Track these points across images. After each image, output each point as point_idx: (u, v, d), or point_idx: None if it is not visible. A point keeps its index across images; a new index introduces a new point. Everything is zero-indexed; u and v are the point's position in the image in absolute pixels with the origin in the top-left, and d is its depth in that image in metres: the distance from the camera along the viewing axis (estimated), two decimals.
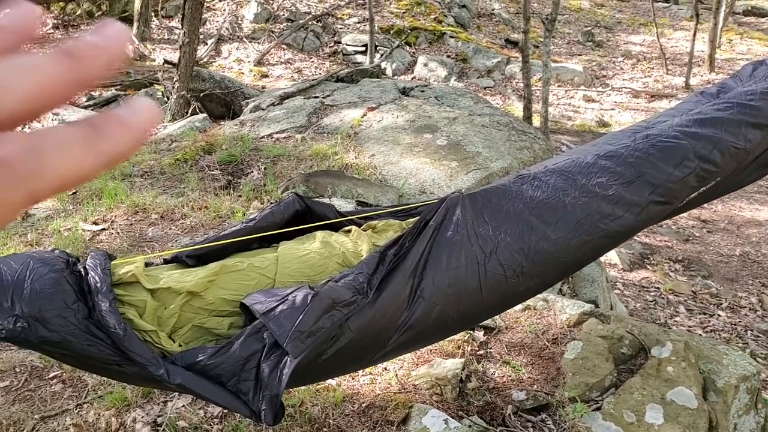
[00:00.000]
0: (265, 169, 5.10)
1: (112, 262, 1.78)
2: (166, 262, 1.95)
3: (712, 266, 9.10)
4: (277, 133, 5.78)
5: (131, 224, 4.25)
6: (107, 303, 1.64)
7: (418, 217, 2.19)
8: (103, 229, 4.19)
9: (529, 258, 2.08)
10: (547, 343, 3.44)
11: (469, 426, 2.87)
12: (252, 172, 5.16)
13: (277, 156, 5.27)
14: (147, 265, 1.89)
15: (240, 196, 4.67)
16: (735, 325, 8.22)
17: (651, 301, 8.12)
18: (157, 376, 1.63)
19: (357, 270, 1.88)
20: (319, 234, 2.07)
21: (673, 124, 2.40)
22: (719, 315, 8.20)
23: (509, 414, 3.02)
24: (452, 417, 2.92)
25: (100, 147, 0.34)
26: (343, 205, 4.40)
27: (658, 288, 8.26)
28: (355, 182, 4.65)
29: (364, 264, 1.90)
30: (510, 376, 3.25)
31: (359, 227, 2.17)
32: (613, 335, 3.41)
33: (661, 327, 3.55)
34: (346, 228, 2.15)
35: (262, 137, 5.74)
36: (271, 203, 2.10)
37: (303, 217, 2.15)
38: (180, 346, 1.75)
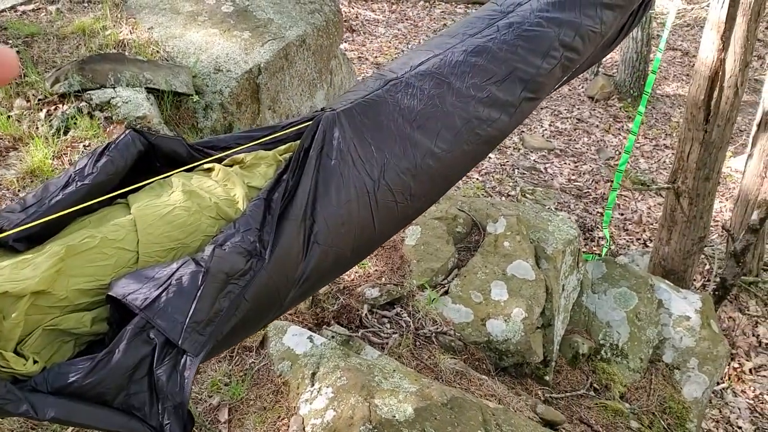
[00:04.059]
0: (18, 53, 4.20)
1: None
2: None
3: None
4: (22, 4, 4.76)
5: None
6: None
7: (289, 144, 1.87)
8: None
9: (417, 178, 1.90)
10: None
11: (332, 337, 2.75)
12: None
13: (30, 36, 4.35)
14: None
15: None
16: (504, 165, 8.90)
17: None
18: (20, 414, 1.24)
19: (242, 226, 1.56)
20: (175, 180, 1.68)
21: (533, 9, 2.27)
22: (490, 157, 8.78)
23: (366, 314, 2.94)
24: (310, 329, 2.77)
25: None
26: (132, 96, 3.82)
27: None
28: (140, 65, 4.01)
29: (249, 217, 1.58)
30: (357, 272, 3.15)
31: (220, 163, 1.79)
32: (447, 215, 3.41)
33: (488, 201, 3.63)
34: (206, 167, 1.77)
35: (3, 11, 4.69)
36: (114, 142, 1.65)
37: (146, 157, 1.72)
38: (35, 362, 1.34)
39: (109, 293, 1.40)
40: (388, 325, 2.94)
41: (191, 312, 1.37)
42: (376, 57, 10.48)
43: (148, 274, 1.42)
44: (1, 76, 0.38)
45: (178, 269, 1.42)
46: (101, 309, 1.46)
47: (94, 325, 1.45)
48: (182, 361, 1.36)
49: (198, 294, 1.38)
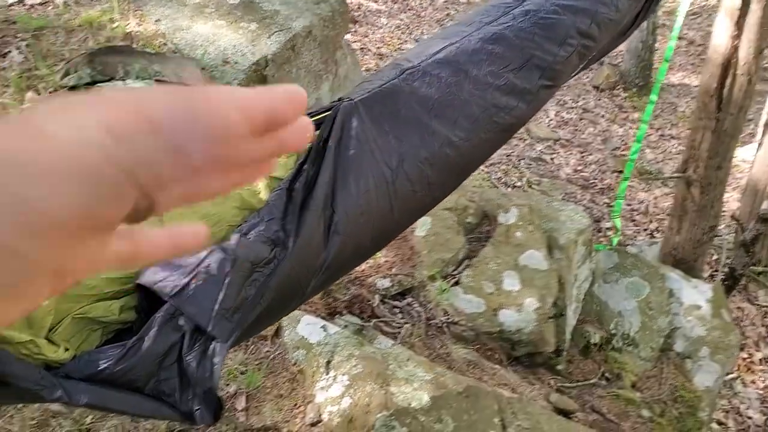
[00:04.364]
0: (27, 47, 4.22)
1: None
2: None
3: None
4: None
5: None
6: None
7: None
8: None
9: (435, 167, 1.91)
10: None
11: (345, 326, 2.76)
12: (10, 51, 4.24)
13: (38, 29, 4.36)
14: None
15: (6, 86, 3.84)
16: (510, 156, 8.87)
17: None
18: (54, 400, 1.25)
19: (266, 216, 1.57)
20: None
21: None
22: None
23: (377, 304, 2.96)
24: (322, 317, 2.78)
25: None
26: (142, 87, 3.81)
27: None
28: (149, 58, 4.02)
29: (272, 207, 1.59)
30: (368, 263, 3.16)
31: None
32: (457, 206, 3.42)
33: (499, 191, 3.63)
34: None
35: (11, 5, 4.70)
36: None
37: None
38: (66, 350, 1.36)
39: (139, 281, 1.42)
40: (400, 315, 2.95)
41: (220, 299, 1.38)
42: (378, 48, 10.46)
43: (176, 262, 1.43)
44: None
45: (205, 257, 1.43)
46: (129, 297, 1.48)
47: (122, 314, 1.47)
48: (211, 347, 1.38)
49: (226, 282, 1.40)
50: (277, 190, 1.63)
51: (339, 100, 1.91)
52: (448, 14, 11.64)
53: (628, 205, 7.68)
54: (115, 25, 4.48)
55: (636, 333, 3.51)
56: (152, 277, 1.40)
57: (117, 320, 1.46)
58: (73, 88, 3.76)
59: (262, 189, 1.69)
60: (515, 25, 2.15)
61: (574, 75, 2.41)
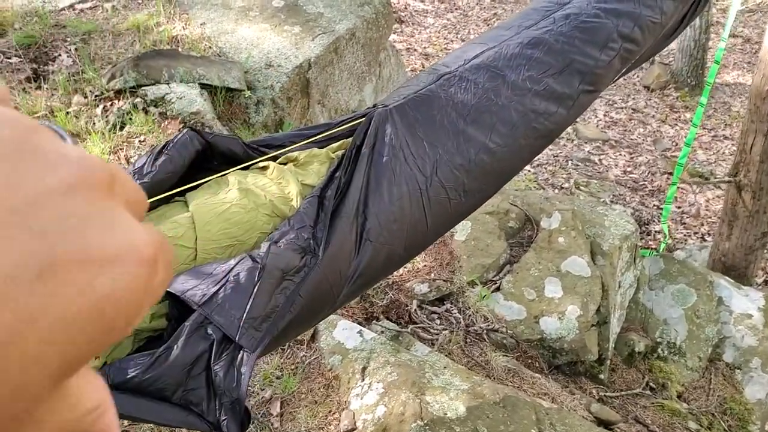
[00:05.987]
0: (76, 50, 4.31)
1: None
2: None
3: None
4: (79, 2, 4.87)
5: None
6: None
7: (342, 141, 1.87)
8: None
9: (471, 174, 1.87)
10: None
11: (382, 332, 2.74)
12: (60, 55, 4.35)
13: (87, 33, 4.45)
14: None
15: (55, 89, 3.93)
16: (557, 156, 8.73)
17: None
18: None
19: (297, 224, 1.56)
20: (231, 178, 1.69)
21: (590, 0, 2.21)
22: None
23: (415, 310, 2.93)
24: (359, 323, 2.77)
25: None
26: (186, 91, 3.87)
27: None
28: (193, 61, 4.06)
29: (303, 215, 1.58)
30: (406, 267, 3.13)
31: (275, 161, 1.80)
32: (499, 210, 3.37)
33: (541, 195, 3.57)
34: (261, 165, 1.78)
35: (62, 9, 4.81)
36: (169, 142, 1.67)
37: (204, 155, 1.74)
38: (97, 357, 1.37)
39: (169, 290, 1.42)
40: (438, 321, 2.91)
41: (248, 308, 1.38)
42: (425, 48, 10.41)
43: (206, 271, 1.44)
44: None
45: (235, 266, 1.43)
46: (160, 305, 1.49)
47: (153, 321, 1.48)
48: (239, 356, 1.37)
49: (254, 290, 1.39)
50: (309, 198, 1.63)
51: (374, 106, 1.90)
52: (495, 13, 11.53)
53: (678, 207, 7.48)
54: (161, 28, 4.55)
55: (683, 342, 3.41)
56: (182, 285, 1.41)
57: (148, 328, 1.47)
58: (119, 92, 3.83)
59: (294, 197, 1.68)
60: (555, 30, 2.10)
61: (617, 79, 2.34)
